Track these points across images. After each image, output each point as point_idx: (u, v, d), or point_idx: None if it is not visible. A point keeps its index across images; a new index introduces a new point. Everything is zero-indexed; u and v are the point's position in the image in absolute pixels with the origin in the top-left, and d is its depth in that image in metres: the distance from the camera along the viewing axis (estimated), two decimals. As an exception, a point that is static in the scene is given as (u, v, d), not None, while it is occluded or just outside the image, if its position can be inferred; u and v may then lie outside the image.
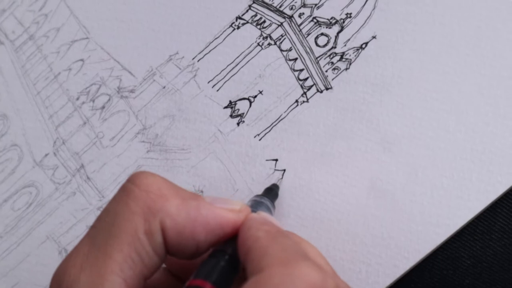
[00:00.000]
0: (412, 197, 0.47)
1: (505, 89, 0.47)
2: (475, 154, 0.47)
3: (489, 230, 0.47)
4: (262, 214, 0.40)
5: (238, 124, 0.51)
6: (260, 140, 0.51)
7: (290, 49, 0.52)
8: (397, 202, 0.47)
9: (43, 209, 0.55)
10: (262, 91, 0.52)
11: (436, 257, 0.47)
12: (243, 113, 0.52)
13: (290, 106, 0.51)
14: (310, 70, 0.51)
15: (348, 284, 0.38)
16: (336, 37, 0.51)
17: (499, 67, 0.47)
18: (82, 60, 0.56)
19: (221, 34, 0.53)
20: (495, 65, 0.47)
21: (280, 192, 0.49)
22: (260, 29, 0.52)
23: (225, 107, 0.52)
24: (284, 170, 0.50)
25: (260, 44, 0.52)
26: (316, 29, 0.51)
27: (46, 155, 0.55)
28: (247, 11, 0.53)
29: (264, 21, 0.53)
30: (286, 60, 0.51)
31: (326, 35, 0.51)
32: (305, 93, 0.51)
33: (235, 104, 0.52)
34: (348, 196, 0.48)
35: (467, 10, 0.48)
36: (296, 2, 0.52)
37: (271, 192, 0.47)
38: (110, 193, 0.53)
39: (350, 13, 0.51)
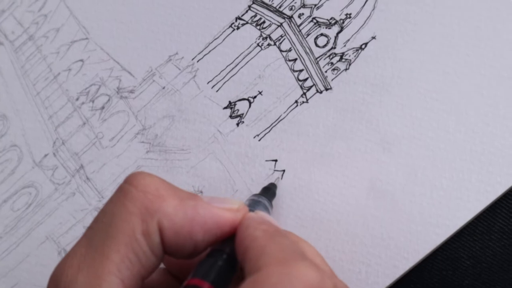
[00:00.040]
0: (411, 198, 0.47)
1: (505, 89, 0.47)
2: (475, 154, 0.47)
3: (488, 230, 0.47)
4: (260, 213, 0.40)
5: (237, 124, 0.51)
6: (259, 140, 0.51)
7: (289, 50, 0.51)
8: (397, 203, 0.47)
9: (43, 209, 0.55)
10: (261, 91, 0.51)
11: (435, 258, 0.47)
12: (242, 114, 0.52)
13: (290, 107, 0.51)
14: (309, 71, 0.51)
15: (348, 284, 0.38)
16: (336, 37, 0.51)
17: (499, 68, 0.47)
18: (81, 60, 0.56)
19: (220, 35, 0.53)
20: (495, 65, 0.47)
21: (280, 193, 0.49)
22: (259, 29, 0.52)
23: (225, 108, 0.52)
24: (284, 170, 0.50)
25: (260, 44, 0.52)
26: (316, 29, 0.51)
27: (46, 155, 0.56)
28: (246, 11, 0.53)
29: (264, 22, 0.52)
30: (285, 60, 0.51)
31: (326, 36, 0.51)
32: (304, 93, 0.50)
33: (235, 105, 0.52)
34: (347, 196, 0.48)
35: (467, 10, 0.48)
36: (295, 3, 0.52)
37: (269, 191, 0.47)
38: (109, 194, 0.53)
39: (350, 14, 0.51)
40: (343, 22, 0.51)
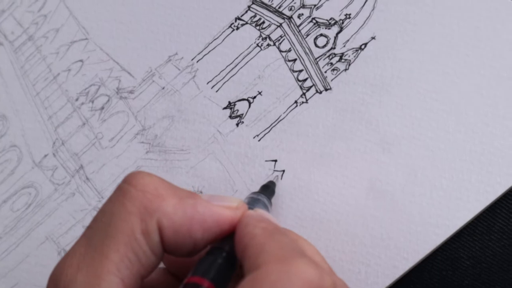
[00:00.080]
0: (411, 198, 0.47)
1: (505, 89, 0.47)
2: (475, 155, 0.47)
3: (488, 230, 0.47)
4: (259, 211, 0.40)
5: (237, 125, 0.51)
6: (259, 141, 0.51)
7: (289, 50, 0.51)
8: (397, 203, 0.47)
9: (43, 209, 0.55)
10: (261, 92, 0.51)
11: (435, 258, 0.47)
12: (242, 114, 0.52)
13: (289, 107, 0.51)
14: (309, 71, 0.51)
15: (347, 284, 0.38)
16: (335, 38, 0.51)
17: (498, 68, 0.47)
18: (81, 60, 0.56)
19: (220, 35, 0.53)
20: (494, 65, 0.47)
21: (279, 193, 0.49)
22: (259, 30, 0.52)
23: (224, 108, 0.52)
24: (283, 170, 0.50)
25: (259, 45, 0.52)
26: (315, 30, 0.51)
27: (45, 156, 0.56)
28: (246, 12, 0.53)
29: (263, 22, 0.52)
30: (285, 61, 0.51)
31: (325, 36, 0.51)
32: (304, 94, 0.50)
33: (234, 105, 0.52)
34: (347, 196, 0.48)
35: (467, 11, 0.48)
36: (295, 3, 0.52)
37: (268, 189, 0.47)
38: (109, 194, 0.52)
39: (349, 14, 0.51)
40: (342, 23, 0.51)
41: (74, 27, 0.57)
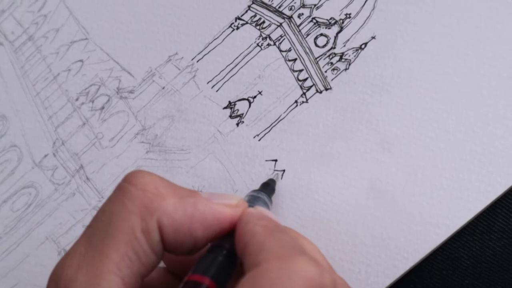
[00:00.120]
0: (411, 198, 0.47)
1: (505, 89, 0.47)
2: (475, 154, 0.47)
3: (488, 230, 0.47)
4: (260, 209, 0.40)
5: (237, 124, 0.51)
6: (259, 140, 0.51)
7: (289, 50, 0.51)
8: (397, 203, 0.47)
9: (43, 209, 0.55)
10: (261, 91, 0.51)
11: (435, 258, 0.47)
12: (242, 114, 0.52)
13: (290, 107, 0.51)
14: (309, 71, 0.51)
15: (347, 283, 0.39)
16: (336, 37, 0.51)
17: (498, 67, 0.47)
18: (81, 60, 0.56)
19: (220, 35, 0.53)
20: (494, 65, 0.47)
21: (280, 193, 0.49)
22: (259, 29, 0.52)
23: (225, 108, 0.52)
24: (284, 170, 0.50)
25: (260, 44, 0.52)
26: (316, 29, 0.51)
27: (46, 155, 0.56)
28: (246, 11, 0.53)
29: (264, 22, 0.52)
30: (285, 60, 0.51)
31: (326, 36, 0.51)
32: (304, 93, 0.50)
33: (235, 105, 0.52)
34: (347, 196, 0.48)
35: (467, 10, 0.48)
36: (295, 3, 0.52)
37: (268, 187, 0.47)
38: (109, 194, 0.52)
39: (350, 14, 0.51)
40: (342, 22, 0.51)
41: (74, 27, 0.57)
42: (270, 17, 0.52)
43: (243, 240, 0.36)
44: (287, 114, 0.51)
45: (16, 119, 0.57)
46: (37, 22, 0.58)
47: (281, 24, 0.52)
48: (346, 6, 0.51)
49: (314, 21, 0.51)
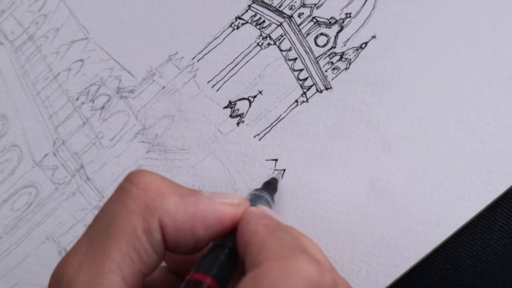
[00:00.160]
0: (412, 197, 0.47)
1: (505, 88, 0.47)
2: (475, 154, 0.47)
3: (489, 229, 0.47)
4: (261, 208, 0.40)
5: (237, 124, 0.51)
6: (259, 140, 0.51)
7: (289, 49, 0.52)
8: (397, 202, 0.47)
9: (43, 209, 0.55)
10: (261, 91, 0.52)
11: (436, 257, 0.47)
12: (242, 113, 0.52)
13: (290, 106, 0.51)
14: (309, 70, 0.51)
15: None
16: (336, 37, 0.51)
17: (498, 67, 0.47)
18: (81, 60, 0.56)
19: (220, 34, 0.53)
20: (494, 64, 0.47)
21: (280, 192, 0.49)
22: (259, 29, 0.52)
23: (225, 107, 0.52)
24: (284, 170, 0.50)
25: (260, 44, 0.52)
26: (316, 29, 0.51)
27: (46, 155, 0.56)
28: (246, 11, 0.53)
29: (264, 21, 0.53)
30: (285, 60, 0.51)
31: (326, 35, 0.51)
32: (304, 93, 0.50)
33: (235, 104, 0.52)
34: (348, 196, 0.48)
35: (467, 10, 0.48)
36: (295, 2, 0.52)
37: (270, 186, 0.47)
38: (109, 194, 0.52)
39: (350, 13, 0.51)
40: (343, 22, 0.51)
41: (74, 26, 0.57)
42: (271, 16, 0.52)
43: (245, 239, 0.36)
44: (288, 114, 0.51)
45: (17, 119, 0.57)
46: (37, 22, 0.58)
47: (281, 23, 0.52)
48: (347, 6, 0.51)
49: (315, 20, 0.51)
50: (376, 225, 0.47)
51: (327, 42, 0.51)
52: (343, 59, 0.50)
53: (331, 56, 0.51)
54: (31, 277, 0.54)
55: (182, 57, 0.54)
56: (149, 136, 0.53)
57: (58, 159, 0.55)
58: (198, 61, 0.53)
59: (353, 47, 0.50)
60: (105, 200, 0.53)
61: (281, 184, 0.49)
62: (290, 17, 0.52)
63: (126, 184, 0.37)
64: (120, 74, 0.55)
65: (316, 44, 0.51)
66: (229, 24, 0.53)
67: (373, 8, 0.50)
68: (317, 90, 0.50)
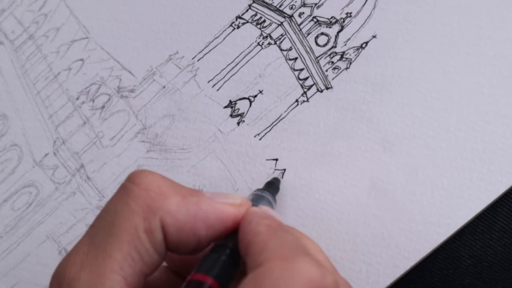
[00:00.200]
0: (412, 197, 0.47)
1: (505, 88, 0.47)
2: (476, 153, 0.47)
3: (489, 229, 0.47)
4: (263, 208, 0.40)
5: (238, 123, 0.51)
6: (260, 139, 0.51)
7: (290, 49, 0.51)
8: (398, 202, 0.47)
9: (43, 209, 0.54)
10: (262, 90, 0.51)
11: (436, 257, 0.47)
12: (243, 113, 0.51)
13: (290, 106, 0.51)
14: (310, 70, 0.51)
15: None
16: (336, 36, 0.51)
17: (499, 66, 0.47)
18: (82, 59, 0.56)
19: (221, 34, 0.53)
20: (495, 64, 0.47)
21: (281, 192, 0.49)
22: (260, 28, 0.52)
23: (225, 107, 0.52)
24: (284, 169, 0.50)
25: (260, 43, 0.52)
26: (316, 28, 0.51)
27: (46, 155, 0.55)
28: (247, 10, 0.53)
29: (264, 21, 0.52)
30: (286, 59, 0.51)
31: (326, 35, 0.51)
32: (305, 92, 0.50)
33: (235, 104, 0.52)
34: (348, 195, 0.48)
35: (467, 9, 0.48)
36: (296, 2, 0.52)
37: (272, 186, 0.47)
38: (110, 193, 0.53)
39: (350, 13, 0.51)
40: (343, 21, 0.51)
41: (74, 26, 0.57)
42: (271, 16, 0.52)
43: (246, 240, 0.36)
44: (288, 113, 0.51)
45: (17, 118, 0.57)
46: (37, 21, 0.58)
47: (281, 23, 0.52)
48: (347, 5, 0.51)
49: (315, 20, 0.51)
50: (377, 225, 0.47)
51: (328, 41, 0.51)
52: (343, 59, 0.50)
53: (331, 55, 0.51)
54: (32, 276, 0.54)
55: (183, 56, 0.54)
56: (149, 135, 0.53)
57: (58, 159, 0.55)
58: (198, 60, 0.53)
59: (354, 47, 0.50)
60: (105, 199, 0.53)
61: (281, 184, 0.49)
62: (291, 16, 0.52)
63: (128, 184, 0.37)
64: (121, 74, 0.55)
65: (317, 44, 0.51)
66: (230, 23, 0.53)
67: (374, 8, 0.50)
68: (318, 90, 0.50)
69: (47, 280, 0.37)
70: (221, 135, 0.52)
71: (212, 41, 0.53)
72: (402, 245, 0.47)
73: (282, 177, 0.49)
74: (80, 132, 0.55)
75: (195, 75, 0.53)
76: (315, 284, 0.33)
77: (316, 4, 0.51)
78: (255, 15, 0.53)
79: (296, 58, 0.51)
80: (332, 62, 0.50)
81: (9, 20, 0.59)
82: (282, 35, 0.52)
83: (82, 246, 0.36)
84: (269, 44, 0.52)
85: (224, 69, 0.53)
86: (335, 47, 0.51)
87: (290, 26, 0.52)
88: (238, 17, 0.53)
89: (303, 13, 0.52)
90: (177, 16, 0.55)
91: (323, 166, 0.49)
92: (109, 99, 0.55)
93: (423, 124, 0.48)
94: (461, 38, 0.48)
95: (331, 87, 0.50)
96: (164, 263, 0.41)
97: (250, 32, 0.53)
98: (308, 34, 0.51)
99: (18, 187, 0.56)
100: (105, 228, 0.36)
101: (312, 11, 0.52)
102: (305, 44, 0.51)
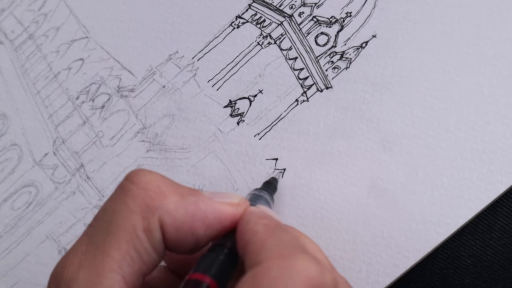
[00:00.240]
0: (412, 196, 0.47)
1: (505, 87, 0.47)
2: (476, 153, 0.47)
3: (489, 229, 0.47)
4: (261, 208, 0.40)
5: (238, 123, 0.51)
6: (260, 139, 0.51)
7: (290, 48, 0.51)
8: (398, 201, 0.47)
9: (43, 208, 0.54)
10: (262, 90, 0.51)
11: (436, 256, 0.47)
12: (243, 112, 0.51)
13: (290, 105, 0.51)
14: (310, 69, 0.51)
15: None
16: (336, 36, 0.51)
17: (499, 66, 0.47)
18: (81, 59, 0.56)
19: (221, 33, 0.53)
20: (495, 63, 0.47)
21: (280, 191, 0.49)
22: (260, 28, 0.52)
23: (225, 106, 0.52)
24: (284, 169, 0.50)
25: (260, 43, 0.52)
26: (316, 28, 0.51)
27: (46, 154, 0.55)
28: (247, 10, 0.53)
29: (264, 20, 0.52)
30: (286, 59, 0.51)
31: (326, 34, 0.51)
32: (305, 92, 0.50)
33: (235, 103, 0.52)
34: (348, 195, 0.48)
35: (467, 9, 0.48)
36: (296, 1, 0.52)
37: (270, 186, 0.47)
38: (110, 193, 0.53)
39: (350, 12, 0.51)
40: (343, 21, 0.51)
41: (74, 25, 0.57)
42: (271, 15, 0.52)
43: (244, 239, 0.36)
44: (288, 113, 0.51)
45: (17, 118, 0.57)
46: (37, 21, 0.58)
47: (281, 22, 0.52)
48: (347, 5, 0.51)
49: (315, 19, 0.51)
50: (377, 225, 0.47)
51: (328, 41, 0.51)
52: (343, 58, 0.50)
53: (331, 55, 0.50)
54: (31, 276, 0.54)
55: (183, 56, 0.54)
56: (149, 135, 0.53)
57: (58, 158, 0.55)
58: (198, 60, 0.53)
59: (354, 46, 0.50)
60: (105, 199, 0.53)
61: (281, 183, 0.49)
62: (291, 16, 0.52)
63: (126, 183, 0.37)
64: (120, 73, 0.55)
65: (317, 43, 0.51)
66: (230, 23, 0.53)
67: (374, 7, 0.50)
68: (318, 89, 0.50)
69: (46, 279, 0.36)
70: (221, 135, 0.52)
71: (212, 40, 0.53)
72: (402, 245, 0.47)
73: (282, 177, 0.49)
74: (80, 131, 0.55)
75: (195, 74, 0.53)
76: (314, 281, 0.33)
77: (316, 3, 0.51)
78: (255, 14, 0.53)
79: (296, 58, 0.51)
80: (332, 62, 0.50)
81: (9, 20, 0.59)
82: (282, 34, 0.52)
83: (80, 246, 0.36)
84: (269, 43, 0.52)
85: (224, 68, 0.53)
86: (335, 46, 0.51)
87: (290, 25, 0.52)
88: (238, 16, 0.53)
89: (303, 12, 0.52)
90: (177, 15, 0.55)
91: (323, 166, 0.49)
92: (109, 99, 0.55)
93: (423, 124, 0.48)
94: (461, 38, 0.48)
95: (331, 87, 0.50)
96: (163, 263, 0.41)
97: (250, 32, 0.53)
98: (308, 33, 0.51)
99: (18, 187, 0.56)
100: (104, 227, 0.36)
101: (312, 11, 0.52)
102: (305, 43, 0.51)
